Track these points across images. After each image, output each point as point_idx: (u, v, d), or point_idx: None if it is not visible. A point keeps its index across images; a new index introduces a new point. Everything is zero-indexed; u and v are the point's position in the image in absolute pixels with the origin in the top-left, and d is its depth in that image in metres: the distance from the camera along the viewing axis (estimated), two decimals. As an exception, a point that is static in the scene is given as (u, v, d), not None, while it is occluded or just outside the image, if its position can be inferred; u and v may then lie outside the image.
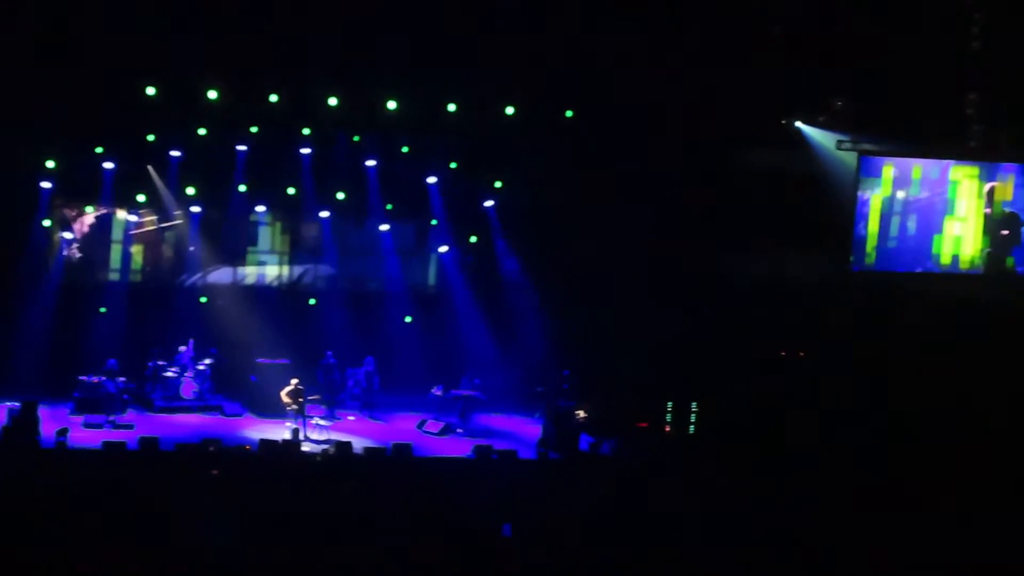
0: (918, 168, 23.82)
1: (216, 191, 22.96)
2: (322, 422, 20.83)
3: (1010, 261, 24.26)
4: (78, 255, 23.20)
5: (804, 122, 23.47)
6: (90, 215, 22.99)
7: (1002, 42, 22.93)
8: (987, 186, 23.98)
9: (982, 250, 24.16)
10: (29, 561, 13.84)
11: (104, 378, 21.19)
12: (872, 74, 22.58)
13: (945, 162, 23.89)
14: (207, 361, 22.51)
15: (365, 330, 23.42)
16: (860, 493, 17.93)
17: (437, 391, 22.33)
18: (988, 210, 24.01)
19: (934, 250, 24.02)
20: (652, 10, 21.59)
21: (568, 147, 22.67)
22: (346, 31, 20.96)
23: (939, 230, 24.02)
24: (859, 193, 23.58)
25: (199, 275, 23.73)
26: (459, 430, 21.72)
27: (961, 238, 24.09)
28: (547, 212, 23.36)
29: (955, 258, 24.13)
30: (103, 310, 22.82)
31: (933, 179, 23.86)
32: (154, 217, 23.35)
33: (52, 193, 22.13)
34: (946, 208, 23.95)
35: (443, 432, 21.49)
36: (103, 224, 23.11)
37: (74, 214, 23.02)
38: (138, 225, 23.27)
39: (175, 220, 23.23)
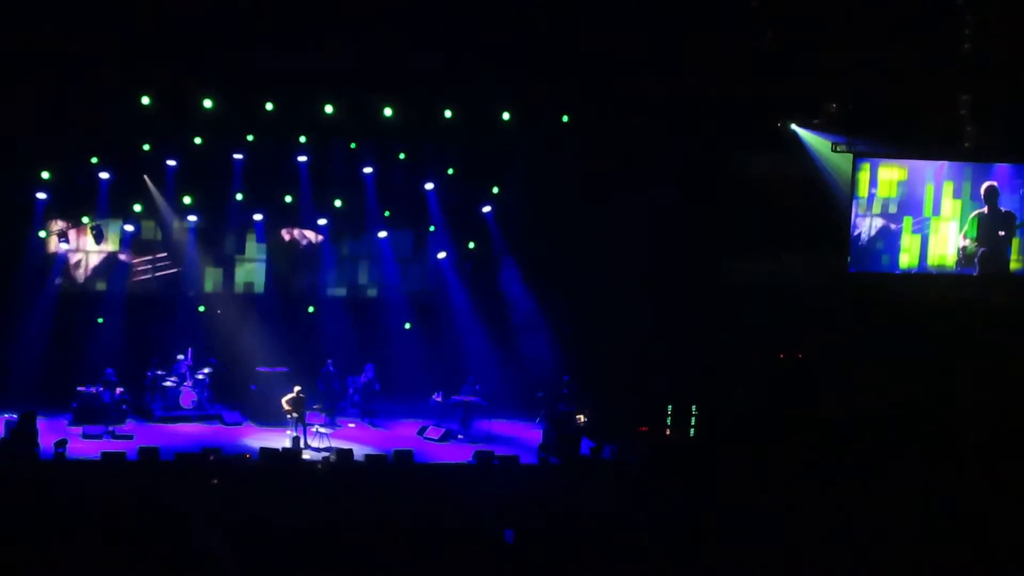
0: (908, 170, 23.87)
1: (213, 200, 22.95)
2: (322, 430, 20.79)
3: (1016, 263, 24.19)
4: (75, 265, 23.16)
5: (799, 125, 23.52)
6: (86, 225, 22.92)
7: (994, 43, 22.97)
8: (984, 185, 23.97)
9: (976, 250, 24.14)
10: (29, 573, 13.81)
11: (102, 388, 21.14)
12: (866, 77, 22.62)
13: (938, 163, 23.92)
14: (206, 370, 22.46)
15: (364, 337, 23.42)
16: (860, 494, 17.96)
17: (437, 397, 22.31)
18: (986, 209, 24.02)
19: (928, 251, 24.03)
20: (650, 14, 21.58)
21: (565, 152, 22.67)
22: (342, 38, 20.94)
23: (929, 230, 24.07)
24: (854, 195, 23.61)
25: (197, 284, 23.67)
26: (460, 436, 21.71)
27: (955, 239, 24.09)
28: (545, 217, 23.38)
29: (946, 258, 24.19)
30: (101, 320, 22.78)
31: (925, 180, 23.88)
32: (151, 226, 23.34)
33: (48, 204, 22.09)
34: (937, 209, 23.97)
35: (444, 438, 21.46)
36: (99, 234, 23.04)
37: (70, 225, 22.95)
38: (134, 234, 23.23)
39: (172, 230, 23.21)
